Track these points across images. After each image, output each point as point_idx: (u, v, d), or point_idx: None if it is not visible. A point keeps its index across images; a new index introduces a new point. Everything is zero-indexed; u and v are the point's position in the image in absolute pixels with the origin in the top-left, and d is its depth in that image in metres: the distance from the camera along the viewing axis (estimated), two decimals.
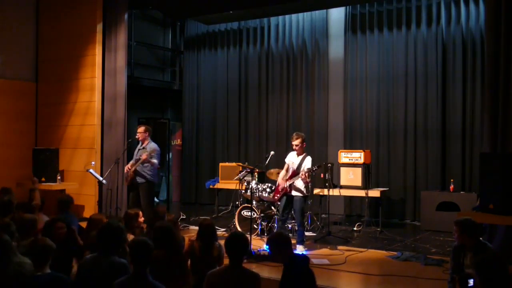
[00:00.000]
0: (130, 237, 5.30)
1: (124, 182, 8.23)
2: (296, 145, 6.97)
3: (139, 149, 8.04)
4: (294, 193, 6.95)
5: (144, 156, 7.70)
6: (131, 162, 8.04)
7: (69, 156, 9.67)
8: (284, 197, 7.03)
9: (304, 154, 7.06)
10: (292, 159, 7.12)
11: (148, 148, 7.94)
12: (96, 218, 5.38)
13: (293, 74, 10.99)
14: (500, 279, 3.10)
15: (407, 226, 9.31)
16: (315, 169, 6.92)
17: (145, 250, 3.50)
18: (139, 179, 7.87)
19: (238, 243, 3.84)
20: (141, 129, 8.07)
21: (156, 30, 12.57)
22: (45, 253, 3.66)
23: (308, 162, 6.95)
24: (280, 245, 3.88)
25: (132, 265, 3.52)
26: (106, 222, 4.32)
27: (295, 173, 6.90)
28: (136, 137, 8.06)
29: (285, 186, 6.99)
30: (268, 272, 5.86)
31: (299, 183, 6.90)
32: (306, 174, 6.77)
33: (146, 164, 7.83)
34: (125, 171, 8.03)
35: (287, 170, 7.10)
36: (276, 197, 7.20)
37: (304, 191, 6.96)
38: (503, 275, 3.11)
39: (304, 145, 7.12)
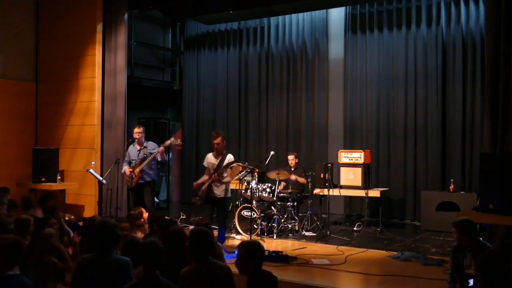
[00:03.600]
0: (138, 235, 5.29)
1: (129, 183, 8.06)
2: (218, 144, 6.72)
3: (140, 149, 8.00)
4: (216, 193, 6.81)
5: (161, 155, 7.71)
6: (125, 166, 7.96)
7: (69, 156, 9.67)
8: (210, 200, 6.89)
9: (224, 153, 6.85)
10: (211, 160, 6.89)
11: (149, 146, 7.93)
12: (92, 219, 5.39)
13: (293, 74, 10.99)
14: (502, 279, 3.10)
15: (407, 226, 9.31)
16: (232, 165, 6.77)
17: (156, 251, 3.47)
18: (147, 178, 7.87)
19: (202, 239, 3.74)
20: (140, 129, 8.07)
21: (156, 30, 12.58)
22: (16, 253, 3.60)
23: (229, 160, 6.77)
24: (253, 255, 3.47)
25: (143, 267, 3.48)
26: (100, 220, 4.28)
27: (217, 175, 6.70)
28: (138, 137, 8.04)
29: (204, 188, 6.80)
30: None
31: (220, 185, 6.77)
32: (228, 171, 6.64)
33: (152, 163, 7.85)
34: (128, 174, 7.85)
35: (208, 174, 6.85)
36: (196, 200, 6.97)
37: (224, 194, 6.81)
38: (505, 275, 3.11)
39: (224, 143, 6.89)
